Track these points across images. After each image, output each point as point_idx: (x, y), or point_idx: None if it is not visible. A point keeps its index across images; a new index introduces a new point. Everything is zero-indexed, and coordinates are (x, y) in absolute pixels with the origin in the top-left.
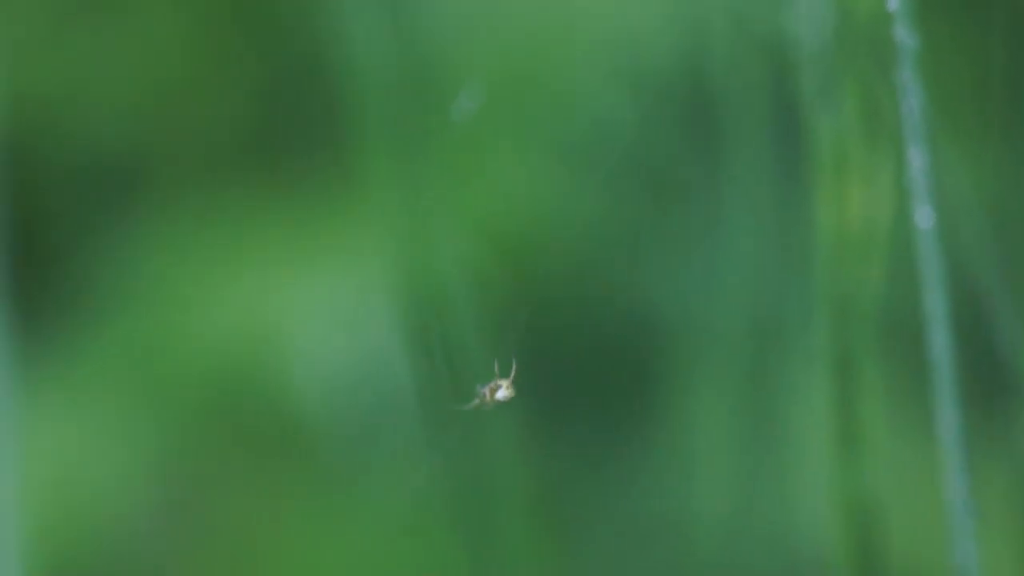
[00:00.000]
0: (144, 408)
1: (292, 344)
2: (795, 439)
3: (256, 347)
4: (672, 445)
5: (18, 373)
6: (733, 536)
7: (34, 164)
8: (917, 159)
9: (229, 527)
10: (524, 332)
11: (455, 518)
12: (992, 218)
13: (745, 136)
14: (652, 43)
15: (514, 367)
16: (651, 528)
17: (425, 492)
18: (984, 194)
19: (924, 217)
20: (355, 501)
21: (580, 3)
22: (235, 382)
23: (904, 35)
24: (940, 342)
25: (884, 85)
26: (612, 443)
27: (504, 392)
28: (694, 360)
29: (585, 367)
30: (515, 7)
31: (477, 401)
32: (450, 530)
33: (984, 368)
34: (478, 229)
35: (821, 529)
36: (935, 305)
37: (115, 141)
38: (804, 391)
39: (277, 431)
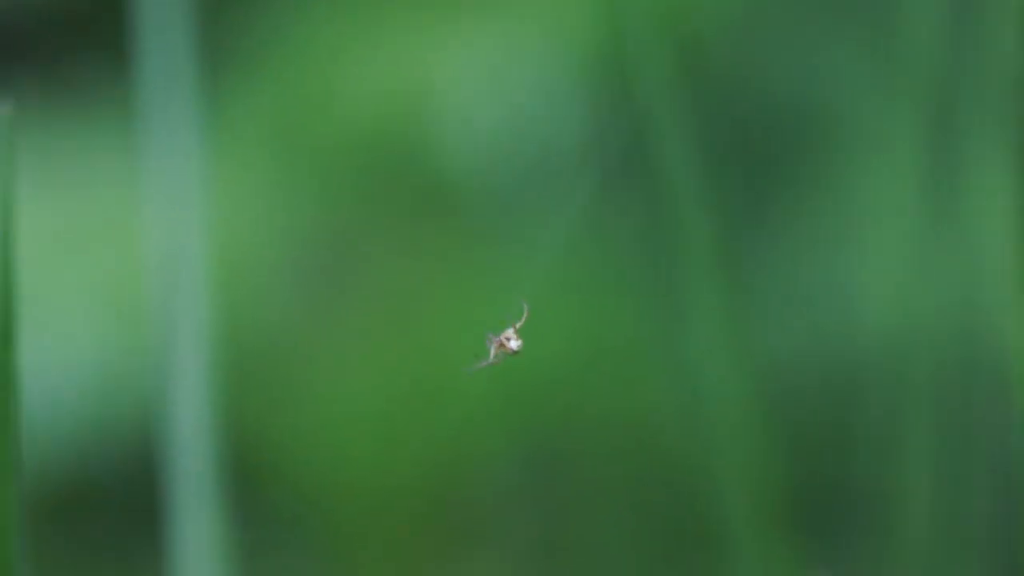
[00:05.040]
0: (299, 168)
1: (445, 102)
2: (973, 212)
3: (409, 105)
4: (846, 212)
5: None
6: (903, 307)
7: None
8: None
9: (381, 284)
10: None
11: (624, 271)
12: None
13: None
14: None
15: (526, 311)
16: (821, 292)
17: (580, 249)
18: None
19: None
20: (508, 259)
21: None
22: (388, 141)
23: None
24: None
25: None
26: (784, 208)
27: (516, 343)
28: (868, 128)
29: (756, 132)
30: None
31: (490, 357)
32: (606, 287)
33: None
34: None
35: (996, 300)
36: None
37: None
38: (982, 162)
39: (429, 189)
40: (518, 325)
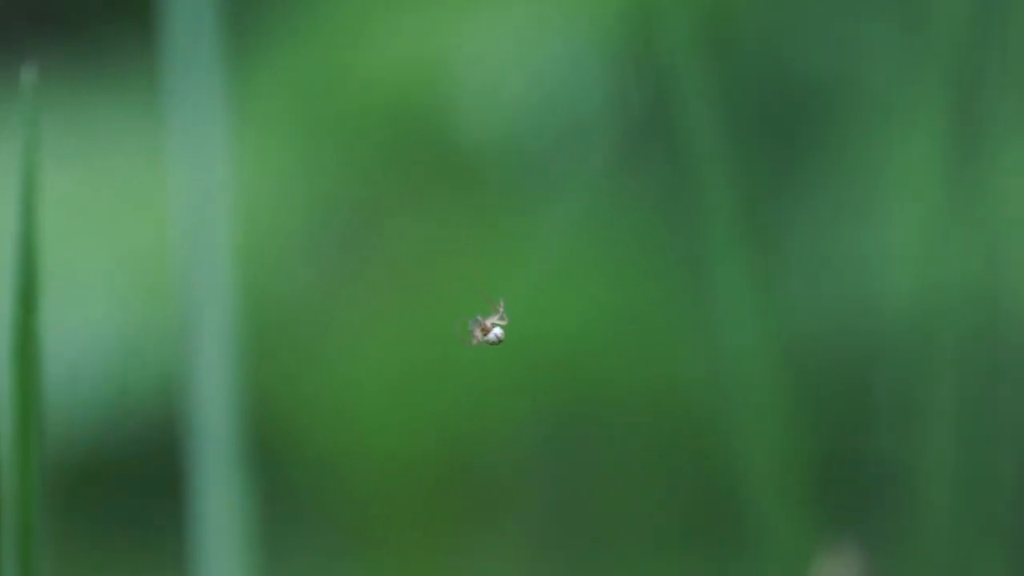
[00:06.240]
0: (320, 137)
1: (469, 69)
2: (997, 182)
3: (433, 72)
4: (870, 182)
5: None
6: (925, 273)
7: None
8: None
9: (402, 252)
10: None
11: (646, 239)
12: None
13: None
14: None
15: (502, 305)
16: (845, 261)
17: (602, 216)
18: None
19: None
20: (530, 227)
21: None
22: (409, 111)
23: None
24: None
25: None
26: (808, 177)
27: (498, 332)
28: (894, 98)
29: (781, 100)
30: None
31: (473, 336)
32: (629, 255)
33: None
34: None
35: (1021, 271)
36: None
37: None
38: (1007, 132)
39: (451, 157)
40: (500, 320)
